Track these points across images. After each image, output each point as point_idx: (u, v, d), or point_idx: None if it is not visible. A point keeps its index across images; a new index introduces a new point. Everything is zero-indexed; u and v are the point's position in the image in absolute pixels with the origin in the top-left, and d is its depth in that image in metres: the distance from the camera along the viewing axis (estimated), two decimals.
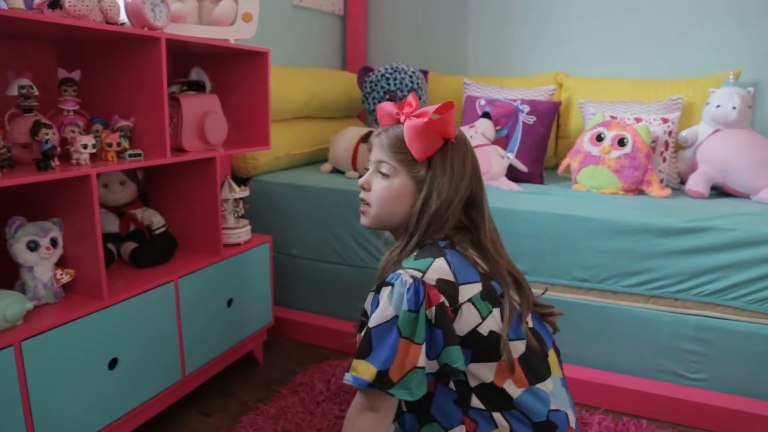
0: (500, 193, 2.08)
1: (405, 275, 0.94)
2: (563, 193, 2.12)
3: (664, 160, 2.26)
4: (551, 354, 1.06)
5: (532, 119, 2.39)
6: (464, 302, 0.95)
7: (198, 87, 1.84)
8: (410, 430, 1.01)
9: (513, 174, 2.29)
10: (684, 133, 2.37)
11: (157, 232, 1.69)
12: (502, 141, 2.36)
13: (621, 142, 2.11)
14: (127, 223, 1.69)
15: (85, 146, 1.31)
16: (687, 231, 1.71)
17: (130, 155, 1.45)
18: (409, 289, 0.93)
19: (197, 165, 1.69)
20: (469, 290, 0.96)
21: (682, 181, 2.36)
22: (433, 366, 0.94)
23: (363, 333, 0.96)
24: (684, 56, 2.73)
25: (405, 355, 0.91)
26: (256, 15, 1.81)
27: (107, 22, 1.38)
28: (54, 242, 1.32)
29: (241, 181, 2.27)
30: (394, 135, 1.06)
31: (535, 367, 1.00)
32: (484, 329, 0.95)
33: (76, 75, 1.48)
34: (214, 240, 1.72)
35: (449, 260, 0.98)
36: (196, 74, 1.89)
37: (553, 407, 0.99)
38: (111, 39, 1.45)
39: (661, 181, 2.22)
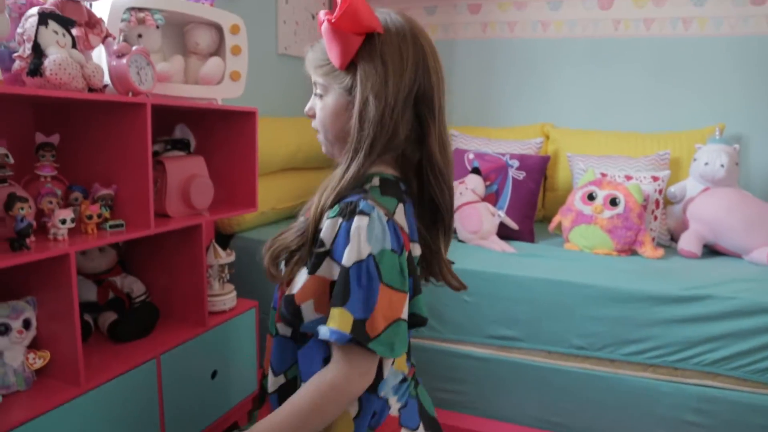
0: (493, 255, 2.04)
1: (379, 209, 0.82)
2: (557, 254, 2.08)
3: (656, 218, 2.24)
4: None
5: (521, 174, 2.36)
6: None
7: (182, 145, 1.77)
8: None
9: (503, 231, 2.25)
10: (672, 189, 2.36)
11: (138, 301, 1.59)
12: (492, 197, 2.33)
13: (613, 202, 2.09)
14: (106, 291, 1.59)
15: (63, 221, 1.23)
16: (686, 299, 1.68)
17: (111, 226, 1.36)
18: (389, 224, 0.82)
19: (182, 230, 1.61)
20: (415, 250, 0.91)
21: (673, 238, 2.35)
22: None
23: (340, 274, 0.81)
24: (669, 110, 2.75)
25: (387, 304, 0.80)
26: (244, 74, 1.75)
27: (90, 88, 1.31)
28: (27, 324, 1.22)
29: (225, 237, 2.19)
30: (318, 47, 0.93)
31: None
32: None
33: (54, 139, 1.40)
34: (198, 309, 1.63)
35: (406, 210, 0.90)
36: (180, 132, 1.82)
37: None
38: (93, 103, 1.38)
39: (653, 239, 2.20)
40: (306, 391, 0.85)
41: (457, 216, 2.26)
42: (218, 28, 1.71)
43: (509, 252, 2.07)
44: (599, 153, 2.55)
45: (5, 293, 1.24)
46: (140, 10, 1.55)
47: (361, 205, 0.82)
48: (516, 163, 2.38)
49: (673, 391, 1.70)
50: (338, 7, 0.86)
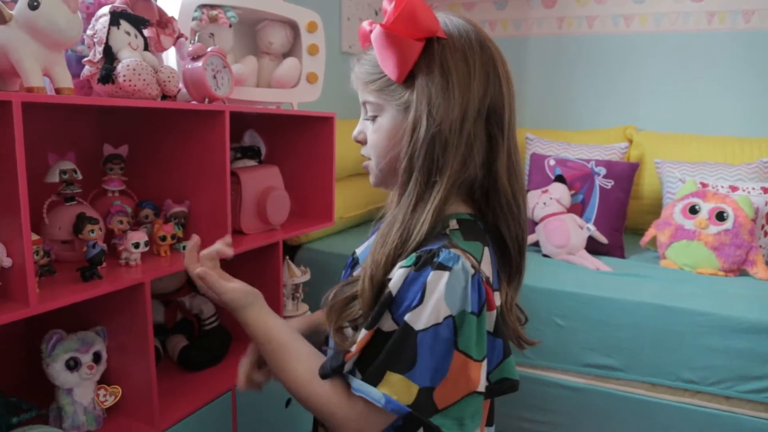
0: (587, 274, 1.85)
1: (465, 260, 0.66)
2: (656, 273, 1.88)
3: (766, 234, 2.02)
4: None
5: (609, 183, 2.17)
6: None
7: (252, 153, 1.63)
8: None
9: (589, 245, 2.06)
10: None
11: (209, 325, 1.47)
12: (577, 207, 2.14)
13: (720, 216, 1.88)
14: (174, 312, 1.48)
15: (136, 245, 1.11)
16: None
17: (185, 248, 1.23)
18: (473, 281, 0.66)
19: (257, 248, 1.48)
20: (497, 300, 0.74)
21: None
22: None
23: (401, 335, 0.66)
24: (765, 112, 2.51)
25: (460, 374, 0.66)
26: (321, 75, 1.61)
27: (164, 95, 1.18)
28: (97, 357, 1.11)
29: (291, 249, 2.07)
30: (367, 59, 0.78)
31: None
32: None
33: (123, 150, 1.28)
34: None
35: (490, 254, 0.74)
36: (249, 138, 1.69)
37: None
38: (166, 111, 1.25)
39: (764, 257, 1.98)
40: (311, 386, 0.74)
41: (540, 228, 2.08)
42: (293, 26, 1.58)
43: (604, 270, 1.89)
44: (691, 159, 2.33)
45: (73, 322, 1.12)
46: (212, 7, 1.42)
47: (442, 255, 0.66)
48: (603, 171, 2.19)
49: None
50: (392, 8, 0.70)
